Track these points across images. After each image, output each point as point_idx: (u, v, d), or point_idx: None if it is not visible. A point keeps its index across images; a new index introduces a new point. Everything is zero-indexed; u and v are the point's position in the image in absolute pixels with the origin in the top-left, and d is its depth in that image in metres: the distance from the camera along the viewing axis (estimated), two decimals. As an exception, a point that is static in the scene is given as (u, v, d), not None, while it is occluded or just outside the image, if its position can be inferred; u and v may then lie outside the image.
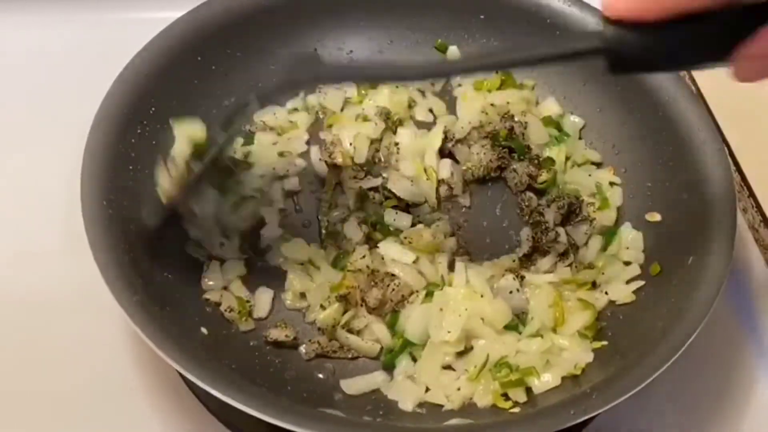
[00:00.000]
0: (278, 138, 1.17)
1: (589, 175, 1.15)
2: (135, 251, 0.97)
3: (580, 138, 1.20)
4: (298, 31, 1.23)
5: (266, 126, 1.18)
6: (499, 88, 1.22)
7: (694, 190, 1.05)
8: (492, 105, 1.19)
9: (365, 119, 1.17)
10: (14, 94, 1.27)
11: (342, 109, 1.20)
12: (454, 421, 0.92)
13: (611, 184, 1.14)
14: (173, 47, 1.12)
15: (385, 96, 1.19)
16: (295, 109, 1.21)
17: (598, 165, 1.18)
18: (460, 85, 1.24)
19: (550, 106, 1.22)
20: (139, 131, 1.06)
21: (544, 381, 0.96)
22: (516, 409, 0.94)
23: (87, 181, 0.98)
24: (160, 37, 1.12)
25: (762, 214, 1.16)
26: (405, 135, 1.16)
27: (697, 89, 1.28)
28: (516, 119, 1.18)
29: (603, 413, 0.90)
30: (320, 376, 0.99)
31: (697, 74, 1.30)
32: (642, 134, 1.15)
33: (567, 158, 1.17)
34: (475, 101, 1.20)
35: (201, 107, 1.15)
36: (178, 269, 1.03)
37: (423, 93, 1.23)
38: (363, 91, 1.21)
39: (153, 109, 1.09)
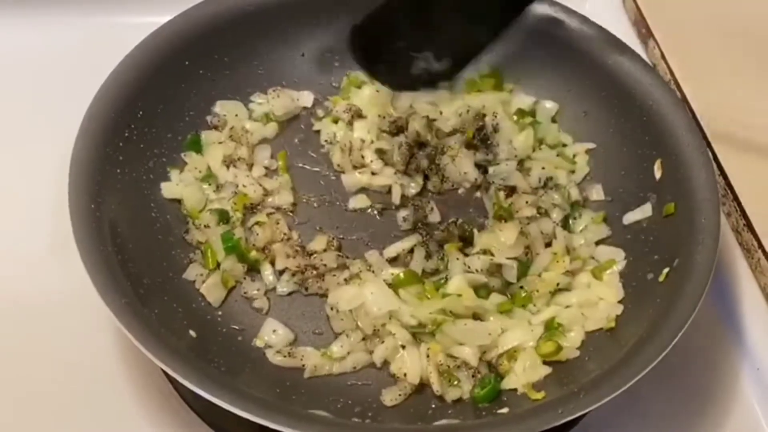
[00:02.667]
0: (226, 138, 1.17)
1: (557, 155, 1.19)
2: (123, 254, 0.97)
3: (554, 122, 1.22)
4: (285, 36, 1.23)
5: (222, 122, 1.18)
6: (478, 90, 1.24)
7: (679, 194, 1.06)
8: (468, 107, 1.20)
9: (328, 114, 1.21)
10: (1, 96, 1.26)
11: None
12: (442, 422, 0.92)
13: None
14: (161, 51, 1.13)
15: (365, 96, 1.21)
16: (260, 104, 1.21)
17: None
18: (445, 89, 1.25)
19: (522, 99, 1.23)
20: (126, 134, 1.07)
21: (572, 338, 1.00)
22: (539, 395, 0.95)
23: (75, 184, 0.98)
24: (148, 41, 1.13)
25: (746, 217, 1.17)
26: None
27: (682, 94, 1.30)
28: (488, 119, 1.19)
29: (590, 413, 0.91)
30: (309, 380, 0.99)
31: (682, 79, 1.32)
32: (626, 140, 1.16)
33: (540, 141, 1.20)
34: (452, 104, 1.22)
35: (188, 111, 1.16)
36: (166, 272, 1.03)
37: None
38: (348, 94, 1.23)
39: (140, 112, 1.09)
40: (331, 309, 1.03)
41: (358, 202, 1.14)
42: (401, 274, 1.04)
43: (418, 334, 1.00)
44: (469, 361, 0.98)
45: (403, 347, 0.99)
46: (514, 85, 1.24)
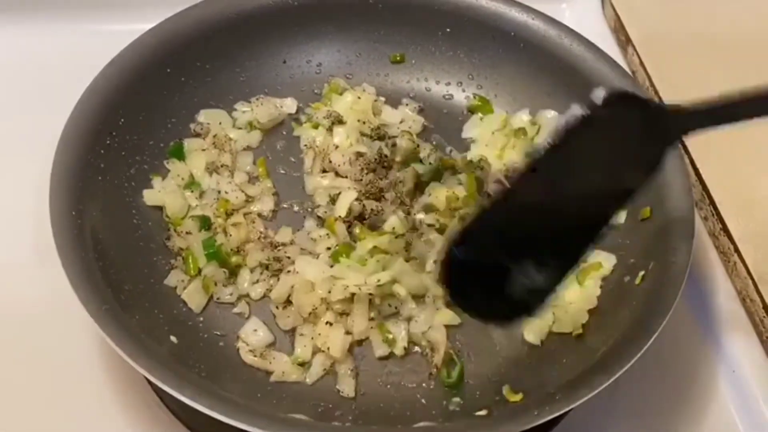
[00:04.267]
0: (209, 145, 1.18)
1: None
2: (104, 260, 0.97)
3: None
4: (267, 43, 1.24)
5: (206, 130, 1.19)
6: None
7: (655, 199, 1.07)
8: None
9: (309, 120, 1.22)
10: (-17, 103, 1.27)
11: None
12: (422, 424, 0.93)
13: None
14: (143, 59, 1.13)
15: (345, 103, 1.22)
16: (244, 112, 1.22)
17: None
18: None
19: (521, 117, 1.22)
20: (108, 142, 1.07)
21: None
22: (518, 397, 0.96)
23: (56, 191, 0.98)
24: (130, 48, 1.13)
25: (722, 222, 1.19)
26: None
27: (660, 101, 1.31)
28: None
29: (568, 415, 0.92)
30: (291, 384, 1.00)
31: (660, 86, 1.33)
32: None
33: None
34: None
35: (171, 119, 1.17)
36: (147, 278, 1.04)
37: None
38: (329, 100, 1.24)
39: (122, 120, 1.10)
40: (276, 307, 1.04)
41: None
42: (338, 247, 1.06)
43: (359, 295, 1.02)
44: (404, 299, 1.02)
45: (330, 324, 1.01)
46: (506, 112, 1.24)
